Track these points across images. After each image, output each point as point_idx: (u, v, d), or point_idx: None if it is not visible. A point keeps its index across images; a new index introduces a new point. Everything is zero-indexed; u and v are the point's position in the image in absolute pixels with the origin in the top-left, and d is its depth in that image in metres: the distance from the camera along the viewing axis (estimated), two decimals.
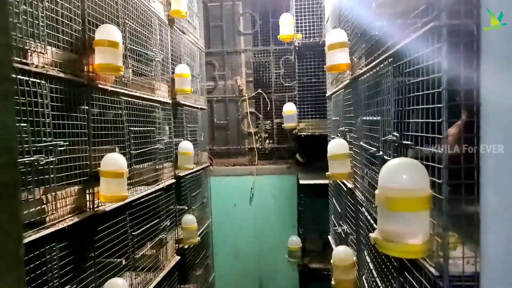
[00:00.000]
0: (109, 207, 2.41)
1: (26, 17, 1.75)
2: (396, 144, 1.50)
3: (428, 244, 1.18)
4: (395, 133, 1.52)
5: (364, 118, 2.18)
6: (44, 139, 1.85)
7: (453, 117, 1.22)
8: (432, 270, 1.20)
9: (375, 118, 1.87)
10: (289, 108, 4.69)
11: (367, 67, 2.05)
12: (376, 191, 1.29)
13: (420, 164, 1.21)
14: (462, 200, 1.15)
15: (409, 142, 1.39)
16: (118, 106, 2.64)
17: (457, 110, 1.50)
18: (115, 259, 2.53)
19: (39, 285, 1.78)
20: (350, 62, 2.56)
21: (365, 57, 2.14)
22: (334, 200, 3.71)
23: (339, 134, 3.11)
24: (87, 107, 2.24)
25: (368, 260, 2.14)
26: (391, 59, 1.57)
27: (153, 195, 3.16)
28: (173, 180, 3.68)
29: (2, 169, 0.40)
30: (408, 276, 1.42)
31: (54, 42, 2.00)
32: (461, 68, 1.11)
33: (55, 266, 1.90)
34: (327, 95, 4.11)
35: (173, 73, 3.78)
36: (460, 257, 1.18)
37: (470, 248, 1.22)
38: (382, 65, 1.72)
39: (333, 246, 3.59)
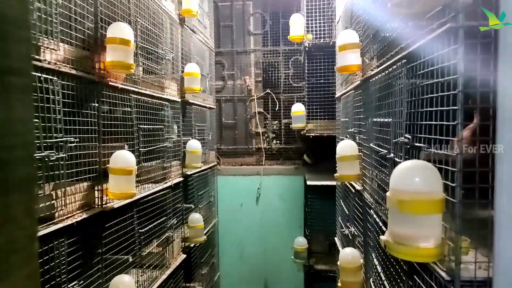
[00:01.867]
0: (117, 204, 2.42)
1: (39, 14, 1.76)
2: (408, 147, 1.48)
3: (440, 248, 1.16)
4: (407, 135, 1.50)
5: (375, 119, 2.16)
6: (55, 135, 1.86)
7: (466, 120, 1.20)
8: (443, 274, 1.18)
9: (386, 120, 1.85)
10: (298, 109, 4.67)
11: (379, 68, 2.03)
12: (387, 194, 1.27)
13: (433, 166, 1.20)
14: (475, 204, 1.13)
15: (421, 145, 1.37)
16: (127, 103, 2.65)
17: (470, 113, 1.48)
18: (122, 256, 2.54)
19: (47, 280, 1.79)
20: (361, 63, 2.54)
21: (377, 58, 2.12)
22: (341, 202, 3.69)
23: (348, 136, 3.09)
24: (97, 104, 2.25)
25: (376, 262, 2.12)
26: (405, 60, 1.55)
27: (161, 193, 3.17)
28: (181, 179, 3.69)
29: (19, 164, 0.39)
30: (418, 280, 1.40)
31: (66, 39, 2.01)
32: (477, 70, 1.09)
33: (63, 262, 1.91)
34: (336, 96, 4.09)
35: (182, 71, 3.79)
36: (472, 262, 1.16)
37: (482, 253, 1.20)
38: (395, 66, 1.70)
39: (340, 248, 3.57)
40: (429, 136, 1.33)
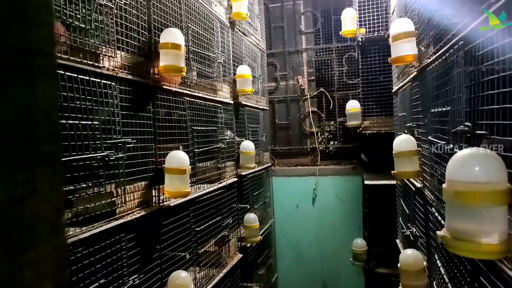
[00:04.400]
0: (173, 202, 2.52)
1: (97, 24, 1.90)
2: (469, 135, 1.36)
3: (506, 244, 1.04)
4: (467, 123, 1.38)
5: (433, 110, 2.01)
6: (114, 136, 1.99)
7: None
8: None
9: (444, 109, 1.71)
10: (353, 106, 4.52)
11: (436, 55, 1.90)
12: (443, 185, 1.17)
13: (496, 154, 1.08)
14: None
15: (483, 132, 1.24)
16: (182, 106, 2.75)
17: None
18: (179, 253, 2.63)
19: (110, 272, 1.91)
20: (418, 52, 2.38)
21: (433, 44, 1.98)
22: (401, 201, 3.49)
23: (406, 131, 2.92)
24: (152, 107, 2.36)
25: (439, 264, 1.96)
26: (462, 42, 1.42)
27: (216, 192, 3.24)
28: (235, 179, 3.75)
29: (43, 140, 0.41)
30: (484, 281, 1.27)
31: (123, 46, 2.15)
32: None
33: (124, 256, 2.02)
34: (393, 90, 3.89)
35: (234, 74, 3.85)
36: None
37: None
38: (452, 50, 1.57)
39: (401, 250, 3.38)
40: (491, 122, 1.21)
